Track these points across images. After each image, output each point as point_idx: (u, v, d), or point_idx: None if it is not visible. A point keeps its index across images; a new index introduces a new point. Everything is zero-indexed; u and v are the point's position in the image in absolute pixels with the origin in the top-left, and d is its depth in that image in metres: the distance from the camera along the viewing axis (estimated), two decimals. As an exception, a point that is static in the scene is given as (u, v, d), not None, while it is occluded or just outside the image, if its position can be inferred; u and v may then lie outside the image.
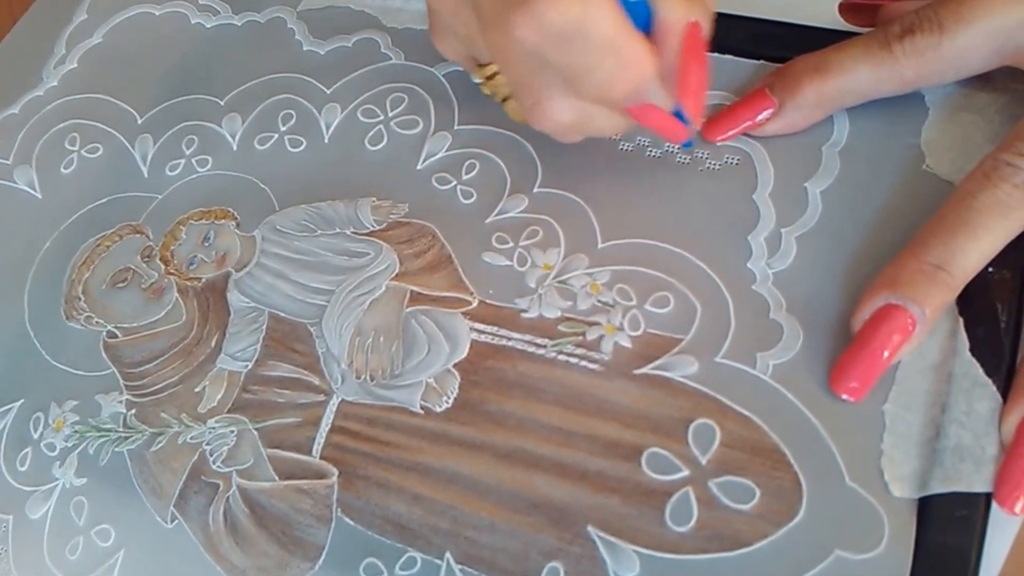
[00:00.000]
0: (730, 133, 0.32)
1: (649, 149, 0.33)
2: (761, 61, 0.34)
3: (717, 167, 0.32)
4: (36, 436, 0.34)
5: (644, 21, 0.27)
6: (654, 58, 0.27)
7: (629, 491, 0.28)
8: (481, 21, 0.28)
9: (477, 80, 0.32)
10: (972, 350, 0.27)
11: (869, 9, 0.32)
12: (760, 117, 0.31)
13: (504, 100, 0.33)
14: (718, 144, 0.32)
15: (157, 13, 0.44)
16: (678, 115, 0.29)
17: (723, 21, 0.29)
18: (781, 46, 0.33)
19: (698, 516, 0.27)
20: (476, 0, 0.27)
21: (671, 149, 0.33)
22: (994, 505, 0.25)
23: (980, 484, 0.25)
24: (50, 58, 0.44)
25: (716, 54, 0.34)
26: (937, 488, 0.26)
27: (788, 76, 0.31)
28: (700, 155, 0.33)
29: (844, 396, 0.27)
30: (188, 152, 0.39)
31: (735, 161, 0.32)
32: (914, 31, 0.29)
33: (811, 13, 0.33)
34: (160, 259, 0.37)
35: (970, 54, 0.28)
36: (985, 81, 0.30)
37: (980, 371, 0.27)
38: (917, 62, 0.29)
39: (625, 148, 0.34)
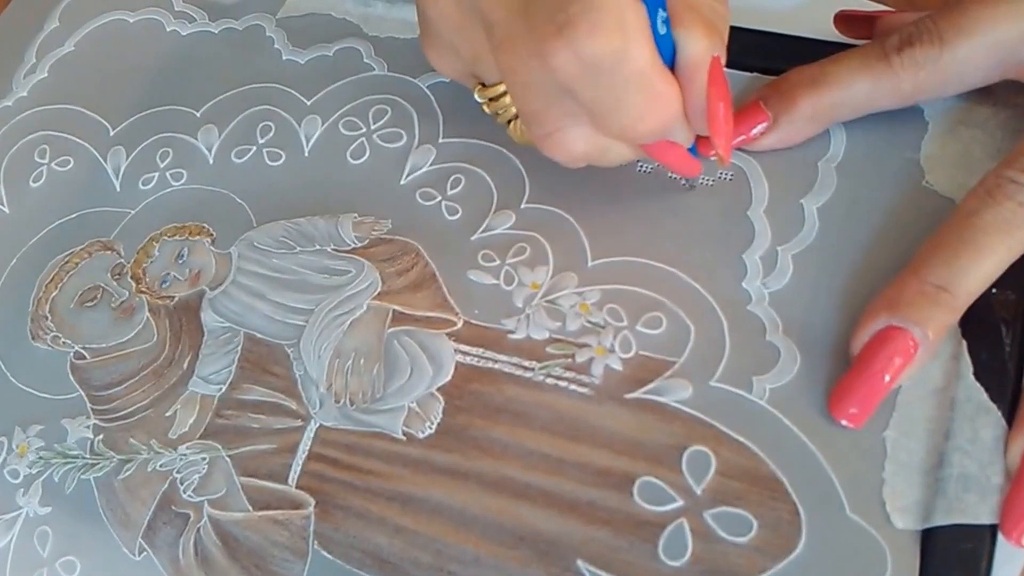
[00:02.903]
0: (723, 147, 0.31)
1: (640, 164, 0.32)
2: (755, 73, 0.33)
3: (710, 183, 0.31)
4: (-1, 462, 0.33)
5: (668, 55, 0.26)
6: (680, 94, 0.26)
7: (621, 523, 0.27)
8: (493, 41, 0.26)
9: (479, 99, 0.31)
10: (976, 374, 0.26)
11: (866, 21, 0.32)
12: (754, 131, 0.31)
13: (509, 122, 0.31)
14: (711, 159, 0.31)
15: (131, 20, 0.43)
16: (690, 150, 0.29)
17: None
18: (776, 58, 0.32)
19: (693, 549, 0.26)
20: (488, 19, 0.26)
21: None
22: (1000, 537, 0.25)
23: (986, 515, 0.25)
24: (20, 67, 0.43)
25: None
26: (941, 520, 0.25)
27: (783, 89, 0.30)
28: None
29: (844, 422, 0.27)
30: (162, 165, 0.38)
31: (729, 177, 0.31)
32: (913, 43, 0.28)
33: (806, 25, 0.33)
34: (131, 277, 0.35)
35: (971, 67, 0.28)
36: (986, 95, 0.30)
37: (985, 396, 0.26)
38: (916, 75, 0.28)
39: (615, 163, 0.33)
